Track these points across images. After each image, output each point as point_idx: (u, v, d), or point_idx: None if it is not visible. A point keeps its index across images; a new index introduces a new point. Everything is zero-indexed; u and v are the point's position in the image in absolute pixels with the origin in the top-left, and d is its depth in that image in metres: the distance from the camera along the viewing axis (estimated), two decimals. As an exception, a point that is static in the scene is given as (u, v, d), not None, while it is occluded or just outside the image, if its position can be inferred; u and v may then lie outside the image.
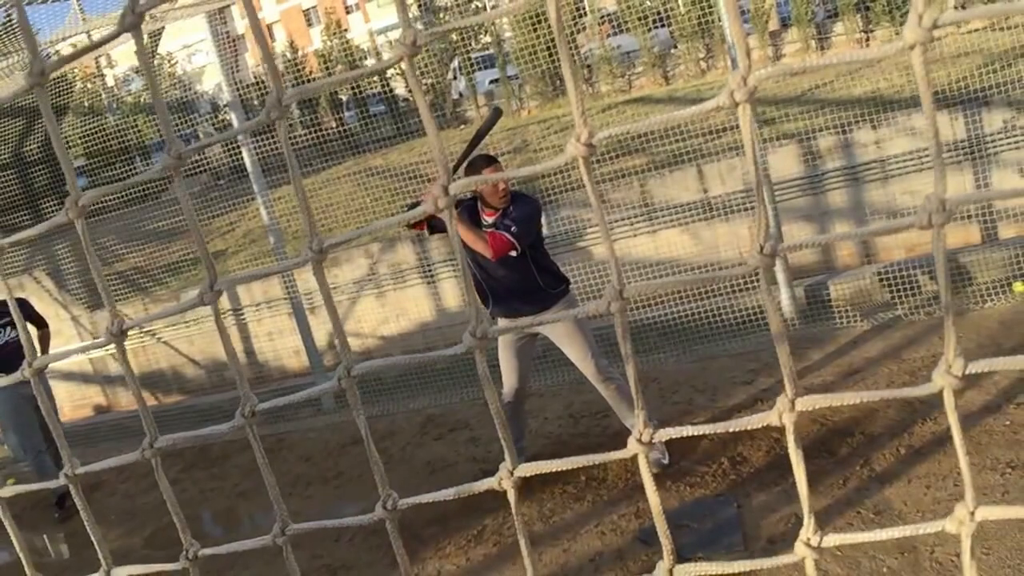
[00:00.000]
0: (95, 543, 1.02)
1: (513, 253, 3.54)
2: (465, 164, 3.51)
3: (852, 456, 3.55)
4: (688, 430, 0.76)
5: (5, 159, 7.81)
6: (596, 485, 3.86)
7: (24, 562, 1.10)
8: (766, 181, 5.19)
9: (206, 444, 6.06)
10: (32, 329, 5.42)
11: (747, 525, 3.27)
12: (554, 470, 0.83)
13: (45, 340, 5.49)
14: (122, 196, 7.45)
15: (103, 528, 5.11)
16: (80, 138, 8.26)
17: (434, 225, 3.75)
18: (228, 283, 0.82)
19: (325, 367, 6.62)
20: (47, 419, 1.03)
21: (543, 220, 4.93)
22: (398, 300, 6.93)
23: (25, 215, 7.65)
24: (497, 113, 3.58)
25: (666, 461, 3.85)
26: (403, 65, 0.71)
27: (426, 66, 10.28)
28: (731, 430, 0.75)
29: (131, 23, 0.75)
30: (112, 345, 0.89)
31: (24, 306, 5.38)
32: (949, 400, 0.66)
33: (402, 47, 0.70)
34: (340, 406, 6.21)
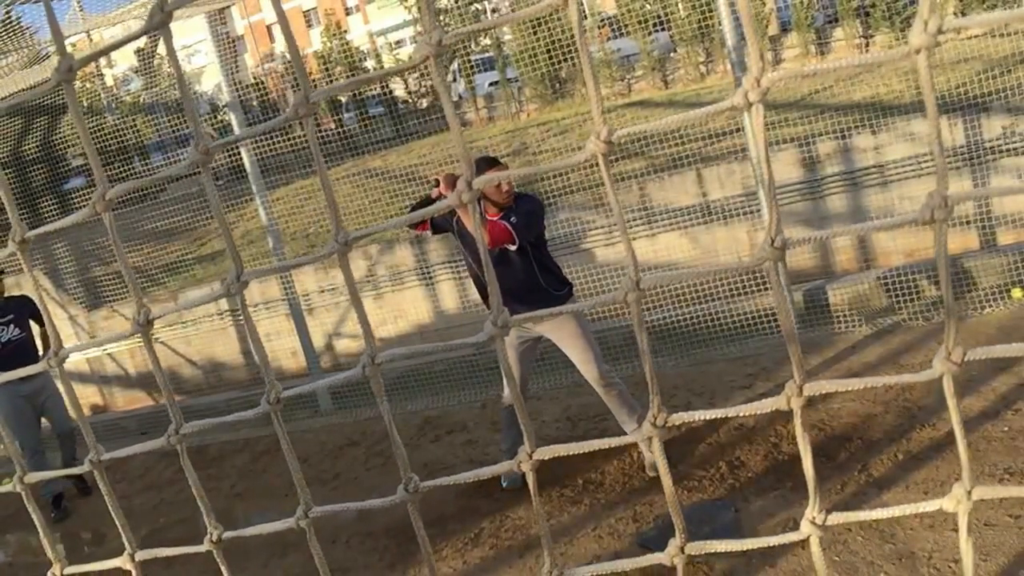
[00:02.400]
0: (119, 527, 1.02)
1: (511, 247, 3.53)
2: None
3: (850, 461, 3.55)
4: (701, 414, 0.77)
5: (3, 158, 7.80)
6: (593, 489, 3.86)
7: (48, 547, 1.09)
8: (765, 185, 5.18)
9: (202, 445, 6.04)
10: (35, 327, 5.46)
11: (745, 529, 3.27)
12: (572, 454, 0.84)
13: (45, 338, 5.51)
14: (120, 195, 7.42)
15: (101, 528, 5.10)
16: (78, 137, 8.25)
17: (437, 224, 3.75)
18: (255, 274, 0.82)
19: (322, 368, 6.61)
20: (73, 408, 1.04)
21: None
22: (396, 302, 6.92)
23: (24, 214, 7.63)
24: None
25: (664, 465, 3.84)
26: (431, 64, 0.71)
27: (426, 68, 10.28)
28: (742, 414, 0.77)
29: (160, 21, 0.75)
30: (118, 342, 0.89)
31: (29, 304, 5.47)
32: (948, 385, 0.69)
33: (428, 47, 0.70)
34: (337, 407, 6.21)
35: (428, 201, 3.69)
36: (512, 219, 3.51)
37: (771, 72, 0.64)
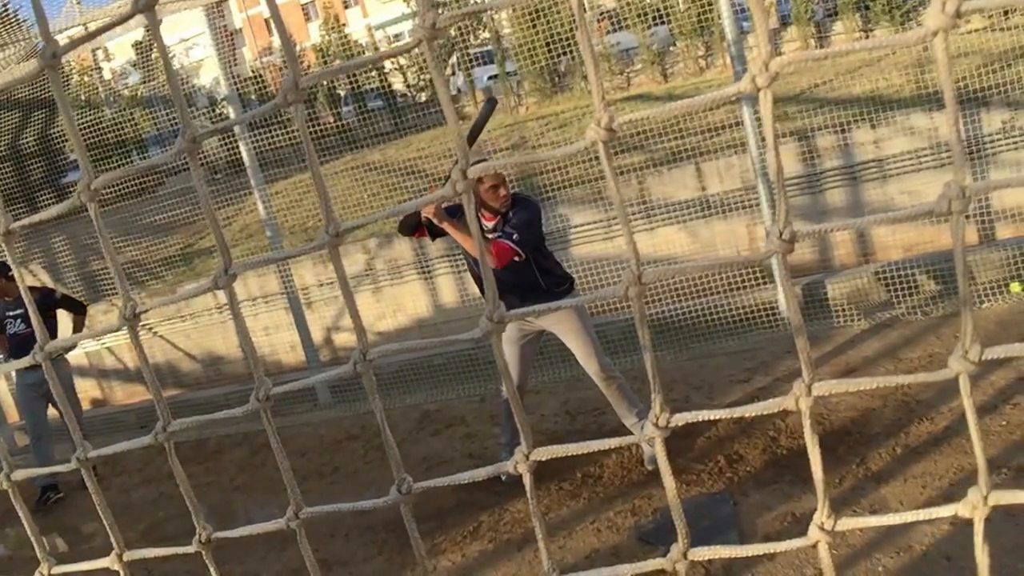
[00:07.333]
0: (107, 526, 1.02)
1: (516, 259, 3.53)
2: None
3: (848, 455, 3.56)
4: (705, 414, 0.75)
5: (1, 152, 7.78)
6: (592, 482, 3.86)
7: (35, 545, 1.09)
8: (764, 179, 5.19)
9: (202, 439, 6.04)
10: (69, 315, 5.63)
11: (743, 523, 3.27)
12: (569, 454, 0.82)
13: (80, 325, 5.66)
14: (118, 190, 7.42)
15: (99, 522, 5.09)
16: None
17: (434, 230, 3.70)
18: (243, 267, 0.81)
19: (321, 362, 6.61)
20: (59, 403, 1.04)
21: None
22: (395, 296, 6.92)
23: (22, 208, 7.62)
24: (491, 103, 3.47)
25: (662, 459, 3.84)
26: (424, 48, 0.68)
27: (424, 61, 10.23)
28: (747, 415, 0.74)
29: (146, 4, 0.73)
30: (104, 336, 0.88)
31: (52, 296, 5.63)
32: (965, 386, 0.66)
33: (422, 30, 0.67)
34: (336, 401, 6.21)
35: (417, 222, 3.66)
36: (515, 237, 3.49)
37: (780, 56, 0.61)
